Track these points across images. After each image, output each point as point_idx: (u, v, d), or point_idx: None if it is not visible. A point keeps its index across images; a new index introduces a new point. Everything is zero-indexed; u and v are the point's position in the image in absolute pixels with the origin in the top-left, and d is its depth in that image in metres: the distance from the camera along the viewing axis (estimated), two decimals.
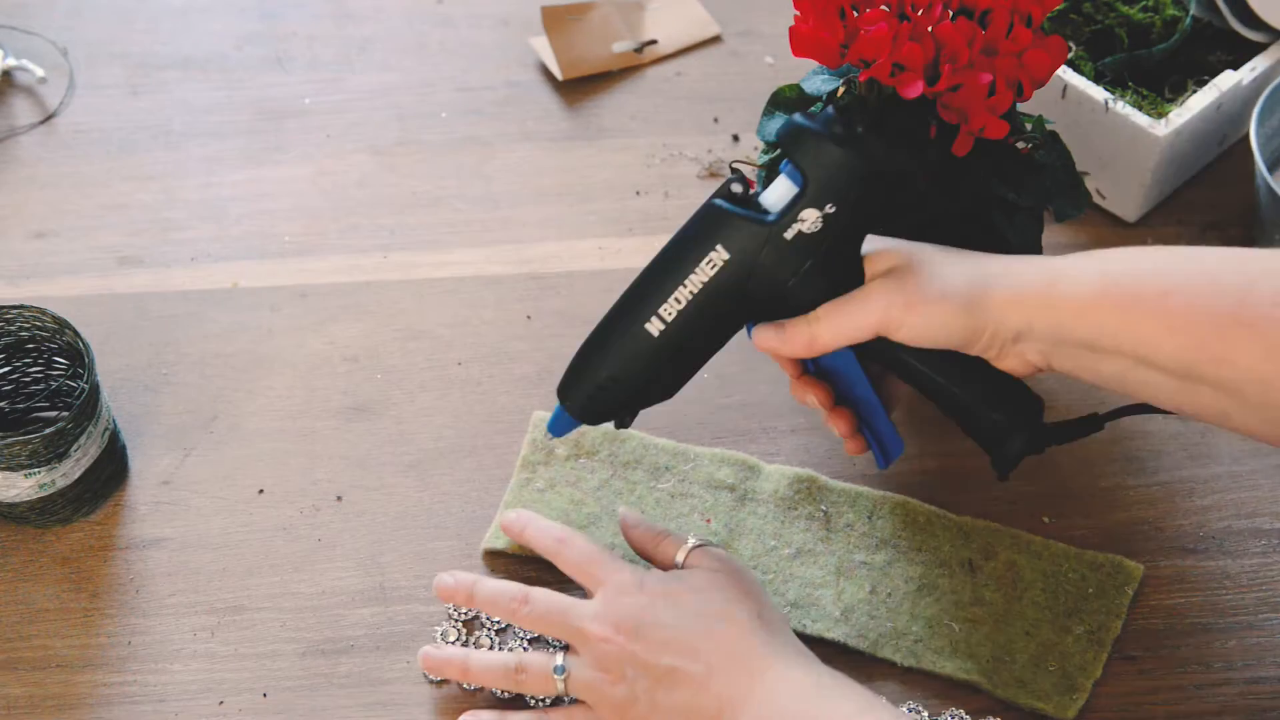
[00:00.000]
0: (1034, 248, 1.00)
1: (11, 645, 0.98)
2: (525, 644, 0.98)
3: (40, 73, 1.26)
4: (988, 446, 0.96)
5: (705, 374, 1.10)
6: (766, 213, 0.90)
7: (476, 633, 0.99)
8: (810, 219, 0.89)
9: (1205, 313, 0.85)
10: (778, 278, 0.90)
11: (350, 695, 0.97)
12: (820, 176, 0.89)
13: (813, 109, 0.93)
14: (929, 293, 0.89)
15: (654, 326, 0.92)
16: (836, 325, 0.91)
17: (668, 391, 0.96)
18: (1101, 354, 0.89)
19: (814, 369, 0.96)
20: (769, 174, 0.99)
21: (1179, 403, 0.89)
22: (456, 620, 0.99)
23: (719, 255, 0.90)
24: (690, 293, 0.91)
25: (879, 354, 0.93)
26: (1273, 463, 1.07)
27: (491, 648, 0.99)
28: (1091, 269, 0.89)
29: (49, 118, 1.25)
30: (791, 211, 0.89)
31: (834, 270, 0.91)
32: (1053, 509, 1.05)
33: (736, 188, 0.91)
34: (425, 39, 1.31)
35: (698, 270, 0.90)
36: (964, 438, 1.03)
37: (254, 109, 1.26)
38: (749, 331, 0.95)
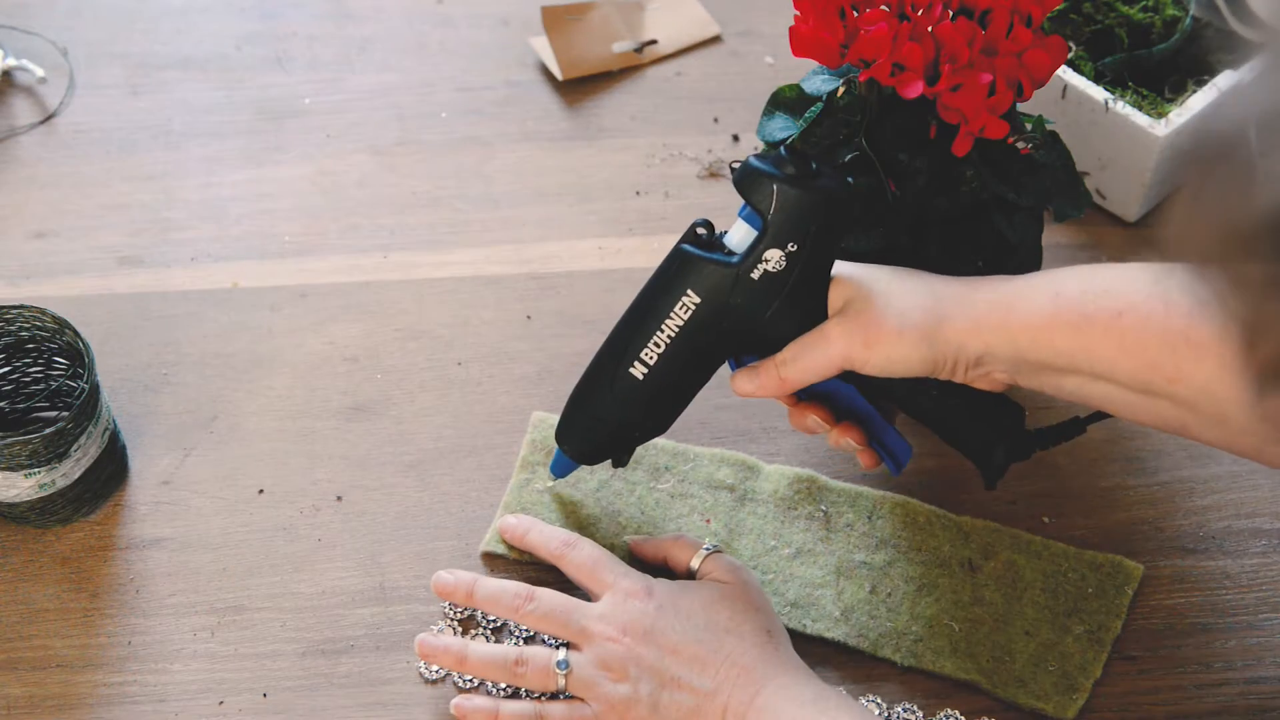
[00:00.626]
0: (1034, 248, 1.00)
1: (11, 645, 0.98)
2: (521, 644, 0.98)
3: (40, 73, 1.26)
4: (973, 458, 0.97)
5: None
6: (732, 254, 0.92)
7: (473, 632, 0.99)
8: (774, 259, 0.91)
9: (1158, 333, 0.86)
10: (750, 316, 0.92)
11: (350, 695, 0.97)
12: (778, 218, 0.90)
13: (766, 150, 0.95)
14: (885, 329, 0.90)
15: (637, 371, 0.95)
16: (802, 367, 0.92)
17: (659, 428, 0.98)
18: (1061, 372, 0.90)
19: (806, 395, 0.97)
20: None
21: (1139, 415, 0.90)
22: (453, 619, 0.99)
23: (690, 299, 0.92)
24: (668, 336, 0.93)
25: (857, 381, 0.94)
26: None
27: None
28: (1044, 291, 0.89)
29: (49, 118, 1.25)
30: (755, 253, 0.91)
31: (805, 302, 0.92)
32: (1053, 509, 1.05)
33: (701, 231, 0.93)
34: (425, 39, 1.31)
35: (672, 315, 0.93)
36: None
37: (254, 109, 1.26)
38: (731, 365, 0.96)
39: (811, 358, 0.92)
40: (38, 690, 0.97)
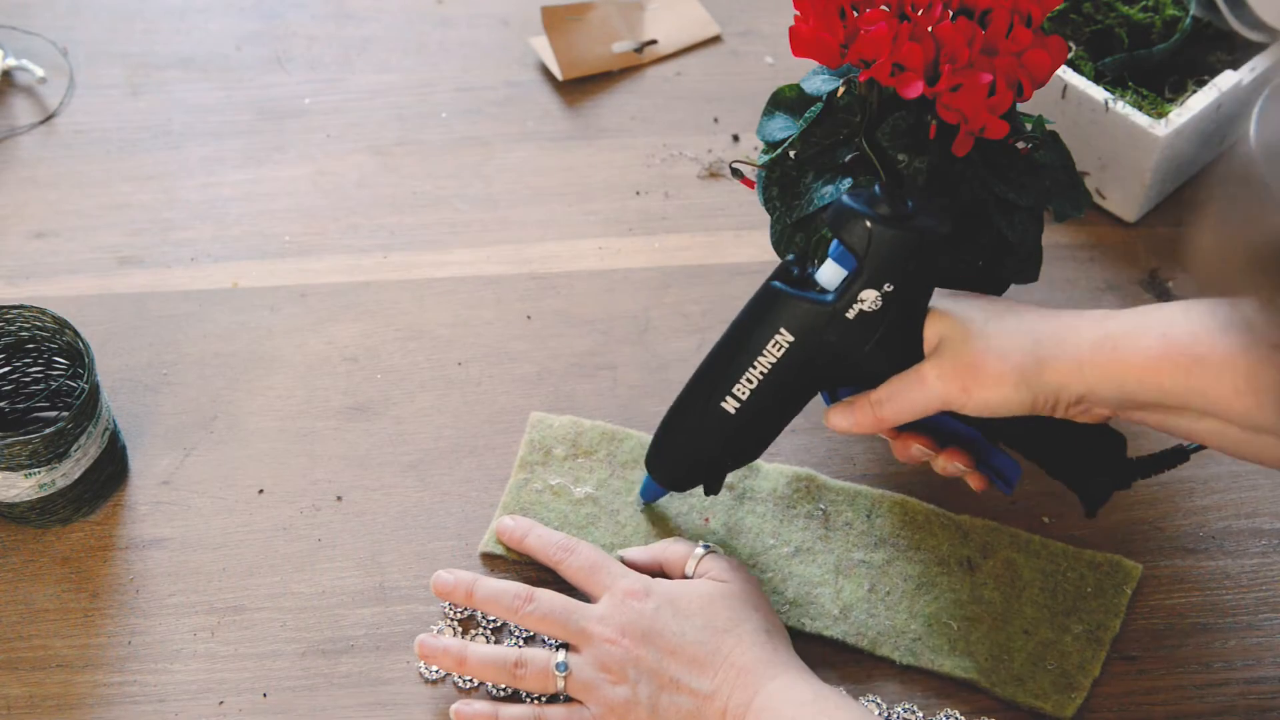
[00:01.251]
0: (1034, 248, 1.00)
1: (11, 645, 0.98)
2: (521, 644, 0.98)
3: (40, 73, 1.26)
4: (1074, 487, 0.96)
5: None
6: (825, 292, 0.90)
7: (473, 632, 0.99)
8: (870, 299, 0.89)
9: (1276, 375, 0.84)
10: (845, 353, 0.90)
11: (350, 695, 0.97)
12: (875, 259, 0.88)
13: (859, 190, 0.91)
14: (984, 373, 0.88)
15: (729, 405, 0.93)
16: (898, 407, 0.91)
17: (751, 457, 0.97)
18: (1166, 410, 0.88)
19: (907, 425, 0.95)
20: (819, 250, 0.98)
21: (1243, 451, 0.88)
22: (453, 619, 0.99)
23: (784, 337, 0.90)
24: (760, 373, 0.92)
25: (955, 414, 0.92)
26: None
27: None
28: (1151, 330, 0.87)
29: (49, 118, 1.25)
30: (850, 292, 0.89)
31: (901, 339, 0.90)
32: (1053, 509, 1.05)
33: (793, 268, 0.91)
34: (425, 39, 1.31)
35: (765, 352, 0.91)
36: None
37: (254, 109, 1.26)
38: (825, 398, 0.95)
39: (908, 399, 0.90)
40: (38, 690, 0.97)
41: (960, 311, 0.90)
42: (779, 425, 0.96)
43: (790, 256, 0.92)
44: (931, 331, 0.90)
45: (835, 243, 0.90)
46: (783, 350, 0.91)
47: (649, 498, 1.02)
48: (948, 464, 0.95)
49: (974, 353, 0.89)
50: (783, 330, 0.90)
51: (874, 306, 0.89)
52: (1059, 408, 0.90)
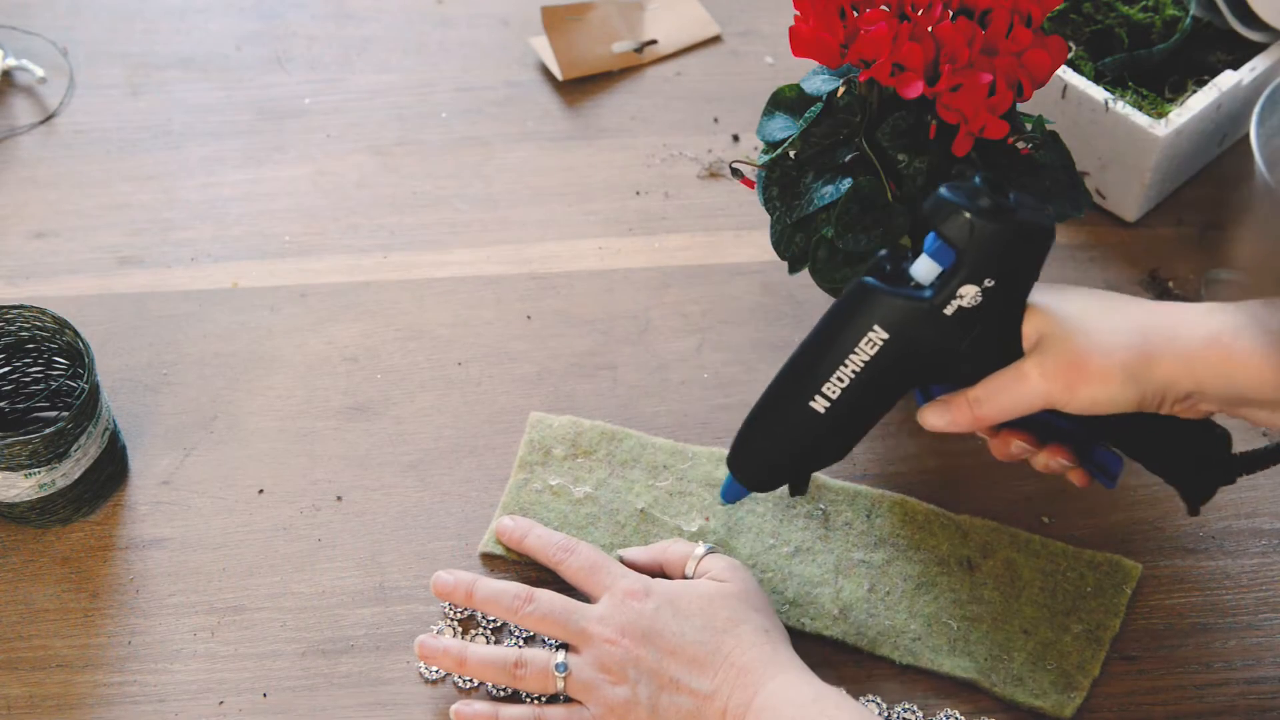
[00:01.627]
0: None
1: (11, 645, 0.98)
2: (521, 645, 0.98)
3: (40, 73, 1.26)
4: (1176, 484, 0.94)
5: (705, 374, 1.10)
6: (921, 288, 0.87)
7: (473, 632, 0.99)
8: (969, 294, 0.86)
9: None
10: (942, 351, 0.88)
11: (350, 695, 0.97)
12: (974, 253, 0.85)
13: (955, 182, 0.88)
14: (1090, 371, 0.86)
15: (819, 404, 0.91)
16: (998, 406, 0.89)
17: (838, 456, 0.95)
18: (1278, 407, 0.87)
19: (1005, 423, 0.93)
20: (915, 246, 0.95)
21: None
22: (453, 619, 0.99)
23: (878, 335, 0.88)
24: (852, 372, 0.89)
25: (1055, 411, 0.90)
26: None
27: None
28: (1263, 327, 0.84)
29: (49, 118, 1.25)
30: (948, 288, 0.86)
31: (1000, 335, 0.88)
32: (1052, 509, 1.05)
33: (886, 264, 0.89)
34: (425, 39, 1.31)
35: (858, 350, 0.88)
36: (965, 438, 1.03)
37: (254, 109, 1.26)
38: (918, 396, 0.93)
39: (1008, 398, 0.88)
40: (38, 690, 0.97)
41: (1060, 306, 0.88)
42: (869, 424, 0.93)
43: (882, 251, 0.89)
44: (1030, 327, 0.88)
45: (930, 236, 0.87)
46: (876, 348, 0.88)
47: (730, 499, 0.99)
48: (1050, 460, 0.93)
49: (1077, 349, 0.86)
50: (876, 327, 0.87)
51: (973, 303, 0.86)
52: (1165, 404, 0.88)
